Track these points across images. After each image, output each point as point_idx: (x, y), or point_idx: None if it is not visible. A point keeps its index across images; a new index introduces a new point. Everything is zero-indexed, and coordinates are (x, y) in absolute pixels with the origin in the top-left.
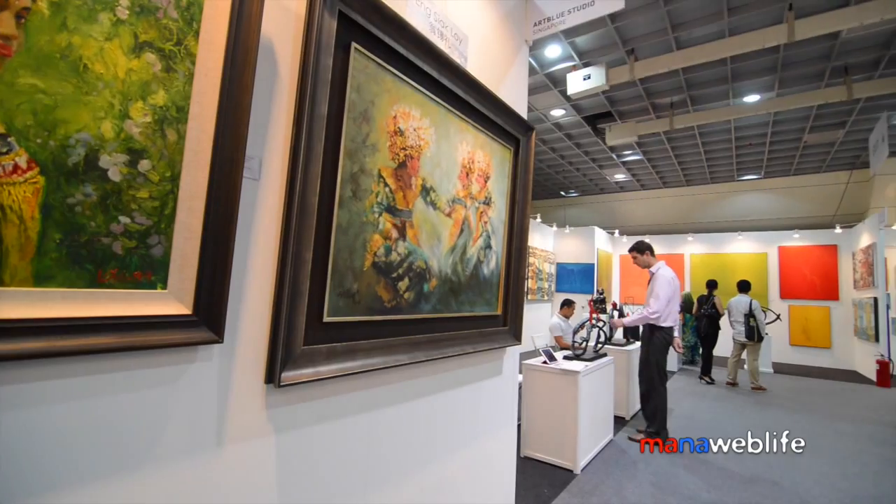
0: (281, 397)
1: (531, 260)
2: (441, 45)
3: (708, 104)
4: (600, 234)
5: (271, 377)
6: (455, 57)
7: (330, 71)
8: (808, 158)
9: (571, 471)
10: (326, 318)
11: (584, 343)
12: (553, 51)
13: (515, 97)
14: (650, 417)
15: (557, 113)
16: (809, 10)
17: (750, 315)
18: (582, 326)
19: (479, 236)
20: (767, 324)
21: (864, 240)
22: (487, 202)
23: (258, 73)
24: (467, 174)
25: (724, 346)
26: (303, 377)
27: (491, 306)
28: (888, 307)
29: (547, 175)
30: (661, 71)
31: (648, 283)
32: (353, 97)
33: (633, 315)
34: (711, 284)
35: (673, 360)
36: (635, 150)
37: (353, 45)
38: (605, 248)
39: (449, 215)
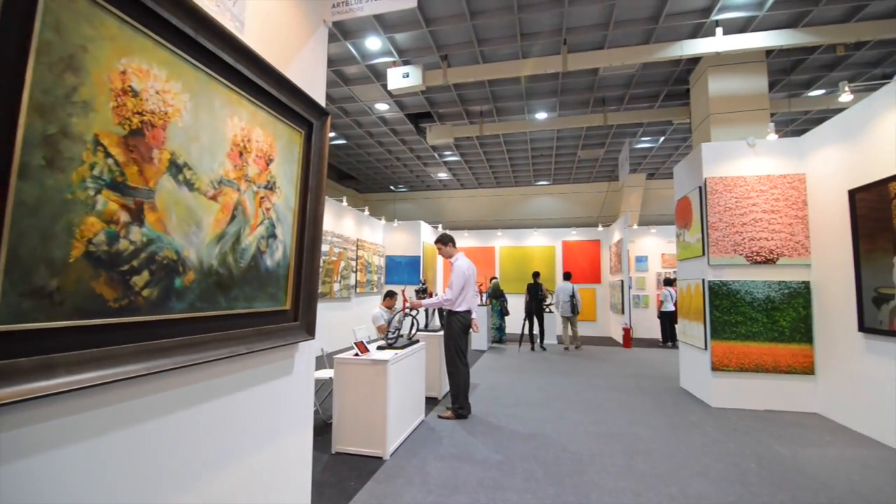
0: None
1: (360, 253)
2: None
3: (510, 116)
4: (426, 228)
5: None
6: (226, 19)
7: None
8: (582, 170)
9: (381, 458)
10: None
11: (397, 332)
12: (373, 43)
13: (310, 79)
14: (454, 395)
15: (382, 107)
16: (578, 47)
17: (572, 296)
18: (396, 316)
19: (258, 224)
20: (548, 304)
21: (616, 236)
22: (270, 187)
23: None
24: (241, 153)
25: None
26: None
27: (277, 301)
28: (630, 287)
29: (376, 169)
30: (470, 80)
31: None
32: (48, 36)
33: (433, 299)
34: (536, 275)
35: (483, 340)
36: (454, 152)
37: None
38: (431, 241)
39: (214, 198)
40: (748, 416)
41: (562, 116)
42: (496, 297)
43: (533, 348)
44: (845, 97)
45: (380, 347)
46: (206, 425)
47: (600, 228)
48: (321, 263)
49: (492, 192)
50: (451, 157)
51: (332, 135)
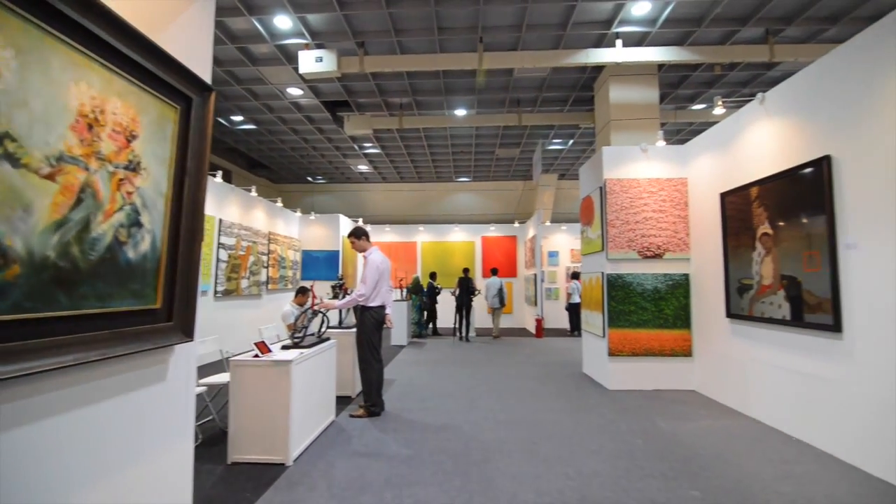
0: None
1: (273, 248)
2: None
3: (430, 110)
4: (346, 222)
5: None
6: None
7: None
8: (500, 168)
9: (283, 464)
10: None
11: (304, 330)
12: (283, 21)
13: (190, 49)
14: (367, 393)
15: (295, 92)
16: (494, 46)
17: (500, 290)
18: (303, 314)
19: (116, 210)
20: (474, 298)
21: (530, 232)
22: (133, 168)
23: None
24: (90, 126)
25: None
26: None
27: (143, 299)
28: (542, 281)
29: (292, 158)
30: (388, 70)
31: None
32: None
33: (345, 298)
34: (466, 271)
35: (403, 335)
36: (374, 144)
37: None
38: None
39: (51, 177)
40: (639, 396)
41: (480, 114)
42: (415, 293)
43: (461, 339)
44: (718, 110)
45: (285, 347)
46: (47, 446)
47: (517, 225)
48: (227, 258)
49: (414, 186)
50: (372, 150)
51: (239, 118)
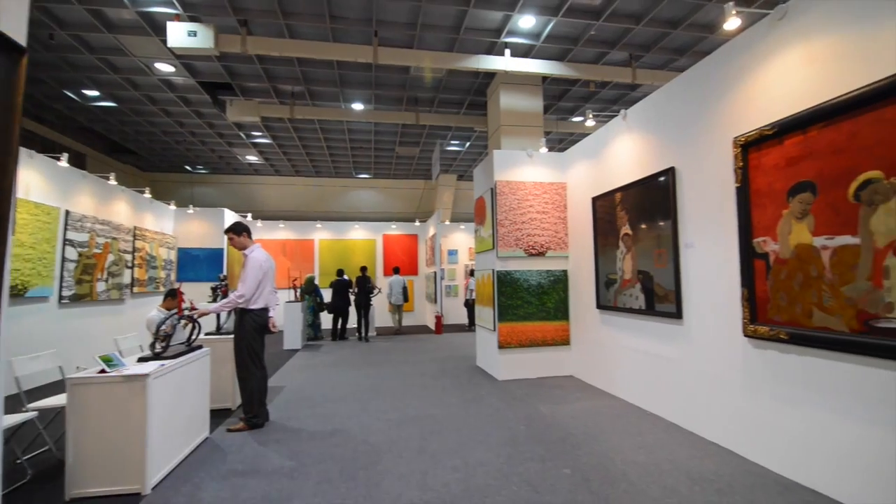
0: None
1: (140, 245)
2: None
3: (325, 102)
4: (232, 217)
5: None
6: None
7: None
8: (401, 166)
9: (139, 493)
10: None
11: (168, 339)
12: None
13: None
14: (247, 403)
15: (165, 68)
16: (389, 42)
17: (404, 287)
18: (167, 320)
19: None
20: (374, 296)
21: (431, 231)
22: None
23: None
24: None
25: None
26: None
27: None
28: (442, 278)
29: (164, 144)
30: (274, 54)
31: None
32: None
33: (222, 300)
34: (364, 269)
35: (297, 338)
36: (264, 133)
37: None
38: None
39: None
40: (525, 384)
41: (378, 110)
42: (309, 293)
43: (360, 339)
44: (590, 123)
45: (142, 359)
46: None
47: (417, 223)
48: (76, 257)
49: (311, 181)
50: (262, 139)
51: (93, 94)
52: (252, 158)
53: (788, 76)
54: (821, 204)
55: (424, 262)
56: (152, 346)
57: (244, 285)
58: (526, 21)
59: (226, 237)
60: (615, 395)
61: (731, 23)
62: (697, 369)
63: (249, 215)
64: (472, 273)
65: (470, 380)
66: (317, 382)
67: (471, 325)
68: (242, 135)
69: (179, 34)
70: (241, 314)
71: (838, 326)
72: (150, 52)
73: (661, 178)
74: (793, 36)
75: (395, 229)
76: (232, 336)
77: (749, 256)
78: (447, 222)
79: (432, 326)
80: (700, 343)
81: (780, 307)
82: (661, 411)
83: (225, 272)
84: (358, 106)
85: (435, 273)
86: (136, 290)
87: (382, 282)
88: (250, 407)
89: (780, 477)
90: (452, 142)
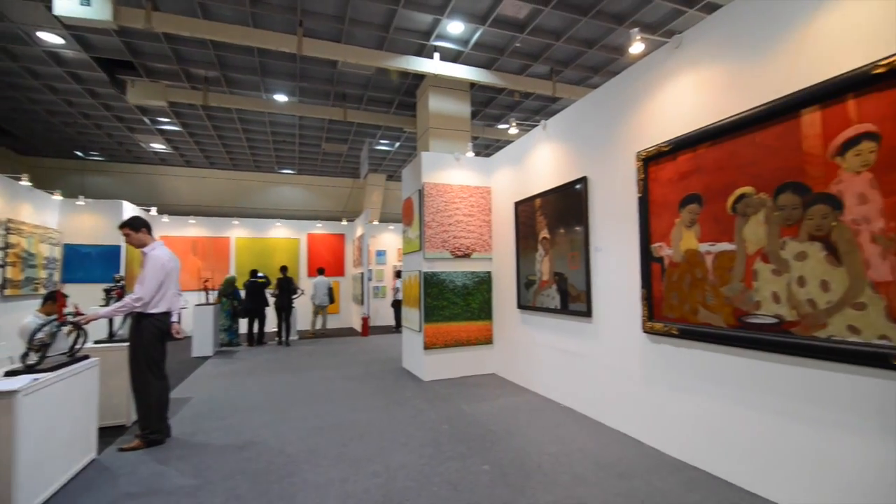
0: None
1: (14, 240)
2: None
3: (244, 90)
4: (132, 211)
5: None
6: None
7: None
8: (328, 163)
9: None
10: None
11: (45, 349)
12: None
13: None
14: (145, 418)
15: (52, 39)
16: (315, 34)
17: (329, 289)
18: (42, 328)
19: None
20: (296, 298)
21: (359, 231)
22: None
23: None
24: None
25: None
26: None
27: None
28: (370, 279)
29: (50, 125)
30: (185, 33)
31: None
32: None
33: (115, 304)
34: (284, 269)
35: (208, 344)
36: (173, 119)
37: None
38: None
39: None
40: (449, 384)
41: (303, 103)
42: (226, 295)
43: (280, 344)
44: (513, 130)
45: (10, 373)
46: None
47: (345, 223)
48: None
49: (227, 174)
50: (170, 126)
51: None
52: (158, 146)
53: (682, 99)
54: (706, 214)
55: (352, 262)
56: (24, 357)
57: (143, 287)
58: (455, 27)
59: (122, 233)
60: (534, 391)
61: (636, 47)
62: (604, 364)
63: (154, 209)
64: (398, 274)
65: (395, 382)
66: (229, 392)
67: (398, 327)
68: (146, 120)
69: (69, 1)
70: (139, 319)
71: (718, 322)
72: (32, 18)
73: (576, 187)
74: (686, 64)
75: (320, 228)
76: (127, 344)
77: (648, 260)
78: (376, 222)
79: (359, 328)
80: (607, 339)
81: (672, 305)
82: (574, 404)
83: (122, 272)
84: (281, 97)
85: (362, 274)
86: (7, 292)
87: (306, 283)
88: (148, 422)
89: (674, 459)
90: (382, 141)
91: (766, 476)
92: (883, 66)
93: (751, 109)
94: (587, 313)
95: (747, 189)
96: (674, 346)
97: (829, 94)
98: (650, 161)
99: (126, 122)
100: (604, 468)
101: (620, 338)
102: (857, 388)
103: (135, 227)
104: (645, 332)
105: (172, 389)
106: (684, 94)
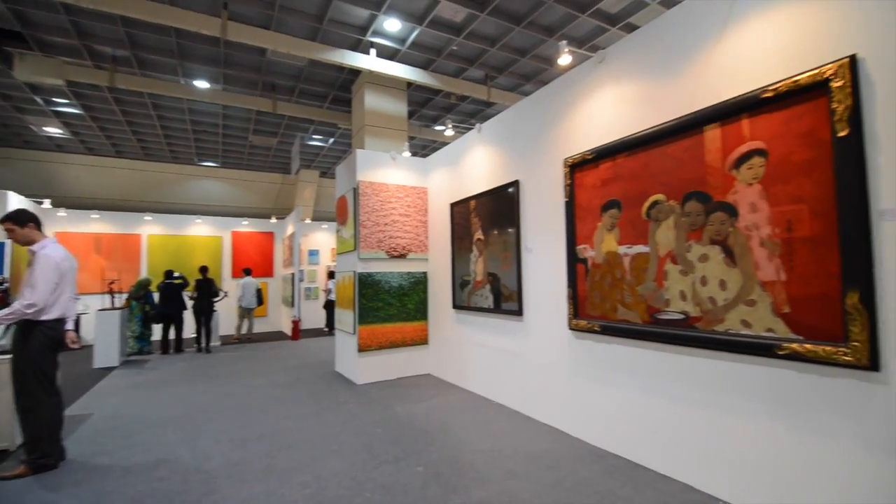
0: None
1: None
2: None
3: (159, 73)
4: (19, 202)
5: None
6: None
7: None
8: (256, 157)
9: None
10: None
11: None
12: None
13: None
14: (33, 440)
15: None
16: (242, 18)
17: (258, 290)
18: None
19: None
20: (218, 301)
21: (289, 229)
22: None
23: None
24: None
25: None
26: None
27: None
28: (301, 280)
29: None
30: (88, 6)
31: (29, 266)
32: None
33: (2, 310)
34: (204, 270)
35: (113, 354)
36: (72, 101)
37: None
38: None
39: None
40: (384, 386)
41: (227, 91)
42: (137, 299)
43: (199, 350)
44: (449, 132)
45: None
46: None
47: (274, 221)
48: None
49: (138, 165)
50: (69, 109)
51: None
52: (53, 131)
53: (605, 111)
54: (624, 219)
55: (282, 262)
56: None
57: (35, 291)
58: (392, 24)
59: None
60: (468, 390)
61: (564, 59)
62: (534, 360)
63: (48, 202)
64: (332, 275)
65: (328, 387)
66: (138, 405)
67: (330, 329)
68: (39, 99)
69: None
70: (27, 327)
71: (635, 319)
72: None
73: (509, 190)
74: (609, 78)
75: (246, 226)
76: (10, 356)
77: (573, 261)
78: (308, 221)
79: (288, 332)
80: (536, 337)
81: (595, 304)
82: (506, 401)
83: (6, 274)
84: (202, 84)
85: (293, 275)
86: None
87: (229, 284)
88: (37, 444)
89: (597, 448)
90: (315, 136)
91: (676, 459)
92: (770, 90)
93: (663, 124)
94: (518, 312)
95: (659, 196)
96: (596, 342)
97: (727, 113)
98: (576, 167)
99: (13, 101)
100: (533, 461)
101: (549, 336)
102: (749, 376)
103: (19, 221)
104: (571, 329)
105: (68, 406)
106: (607, 106)
